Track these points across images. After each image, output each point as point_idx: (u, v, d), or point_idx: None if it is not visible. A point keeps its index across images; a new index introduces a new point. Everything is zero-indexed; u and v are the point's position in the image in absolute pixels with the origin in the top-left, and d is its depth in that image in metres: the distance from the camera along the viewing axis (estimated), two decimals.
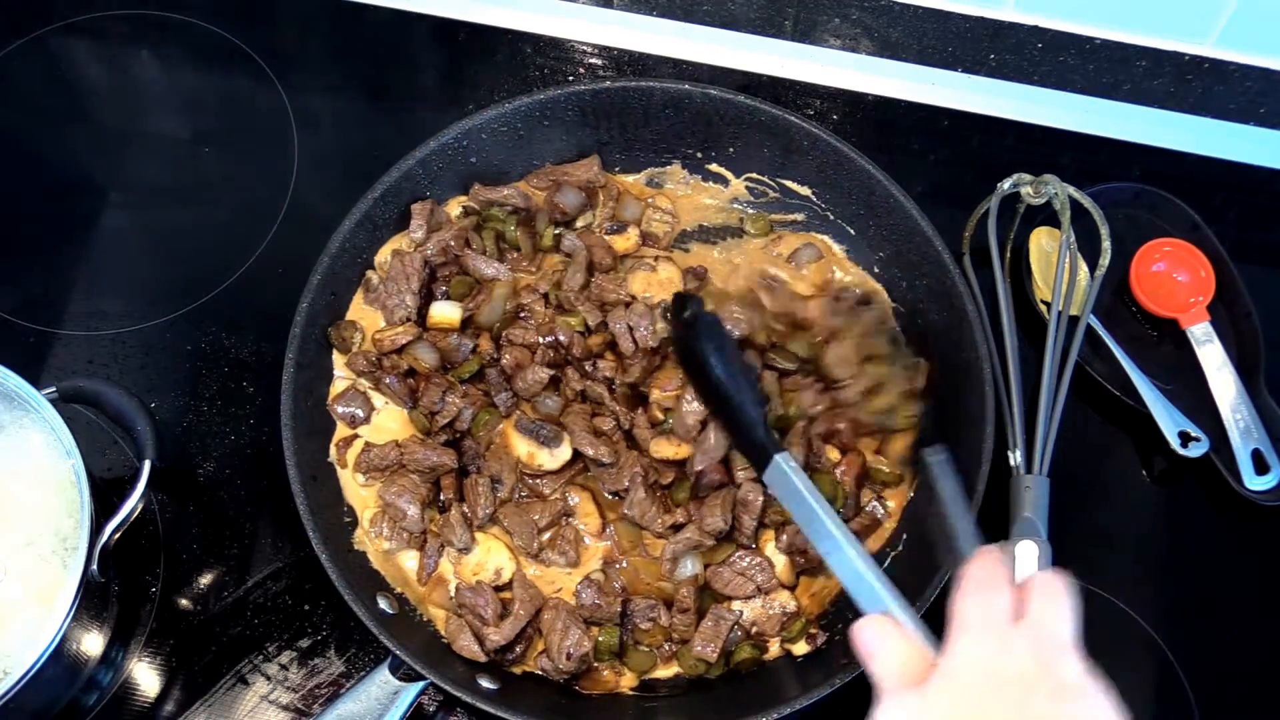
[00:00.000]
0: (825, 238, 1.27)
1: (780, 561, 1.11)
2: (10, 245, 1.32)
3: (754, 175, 1.28)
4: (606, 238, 1.25)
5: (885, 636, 0.76)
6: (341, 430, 1.15)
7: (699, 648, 1.08)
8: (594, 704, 1.07)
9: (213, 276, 1.28)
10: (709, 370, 0.99)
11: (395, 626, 1.03)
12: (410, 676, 1.02)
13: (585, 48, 1.43)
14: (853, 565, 0.84)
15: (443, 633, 1.09)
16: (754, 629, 1.10)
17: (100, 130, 1.39)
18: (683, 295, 1.07)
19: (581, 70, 1.42)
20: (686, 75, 1.40)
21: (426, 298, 1.19)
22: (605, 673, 1.09)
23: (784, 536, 1.11)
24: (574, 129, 1.25)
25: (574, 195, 1.24)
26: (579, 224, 1.26)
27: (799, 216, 1.28)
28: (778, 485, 0.93)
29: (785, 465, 0.92)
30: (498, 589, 1.09)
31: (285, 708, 1.10)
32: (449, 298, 1.19)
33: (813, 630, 1.10)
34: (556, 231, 1.24)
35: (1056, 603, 0.74)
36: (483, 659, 1.06)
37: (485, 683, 1.04)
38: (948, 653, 0.73)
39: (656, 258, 1.25)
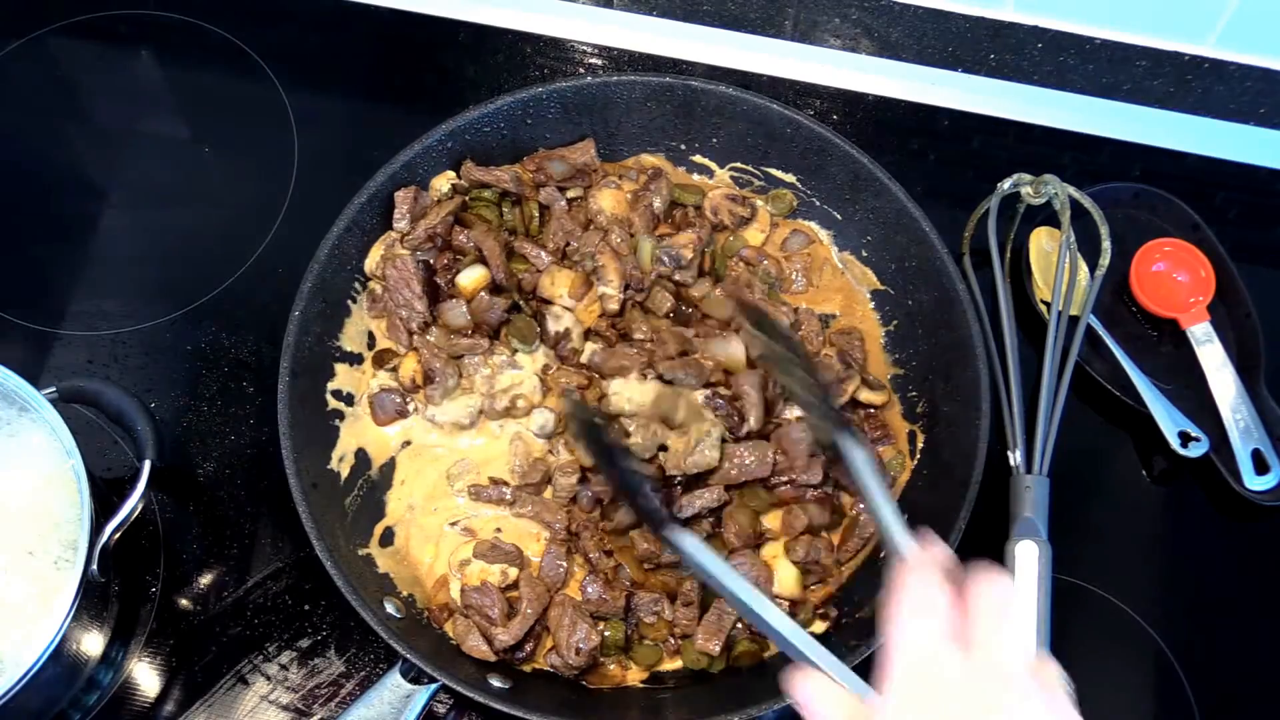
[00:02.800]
0: (812, 224, 1.28)
1: (789, 574, 1.10)
2: (10, 245, 1.32)
3: (738, 164, 1.28)
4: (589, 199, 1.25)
5: (819, 688, 0.73)
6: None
7: (701, 641, 1.08)
8: (604, 698, 1.07)
9: (213, 276, 1.28)
10: (605, 464, 1.00)
11: (404, 630, 1.03)
12: (421, 679, 1.02)
13: (585, 48, 1.43)
14: (767, 623, 0.80)
15: (451, 634, 1.09)
16: (753, 629, 1.10)
17: (100, 130, 1.39)
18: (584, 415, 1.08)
19: (582, 70, 1.42)
20: (670, 72, 1.40)
21: (433, 296, 1.19)
22: (612, 667, 1.09)
23: (799, 548, 1.10)
24: (558, 126, 1.25)
25: (562, 164, 1.24)
26: (569, 194, 1.26)
27: None
28: (685, 560, 0.90)
29: (677, 540, 0.88)
30: (504, 589, 1.09)
31: (285, 708, 1.10)
32: (454, 289, 1.20)
33: (822, 609, 1.10)
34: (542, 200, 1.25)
35: (1001, 622, 0.69)
36: (492, 659, 1.06)
37: (496, 682, 1.04)
38: (884, 693, 0.69)
39: (621, 176, 1.26)
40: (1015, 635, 0.69)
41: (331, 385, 1.17)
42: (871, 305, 1.24)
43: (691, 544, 0.84)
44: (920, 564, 0.74)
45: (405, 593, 1.10)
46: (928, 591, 0.71)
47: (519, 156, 1.26)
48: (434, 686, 1.02)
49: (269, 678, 1.12)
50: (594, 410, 1.11)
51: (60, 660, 1.00)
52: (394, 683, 1.02)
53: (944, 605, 0.70)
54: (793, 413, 1.15)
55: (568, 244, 1.22)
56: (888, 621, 0.71)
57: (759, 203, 1.27)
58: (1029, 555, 1.08)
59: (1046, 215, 1.28)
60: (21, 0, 1.44)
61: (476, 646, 1.06)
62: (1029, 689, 0.67)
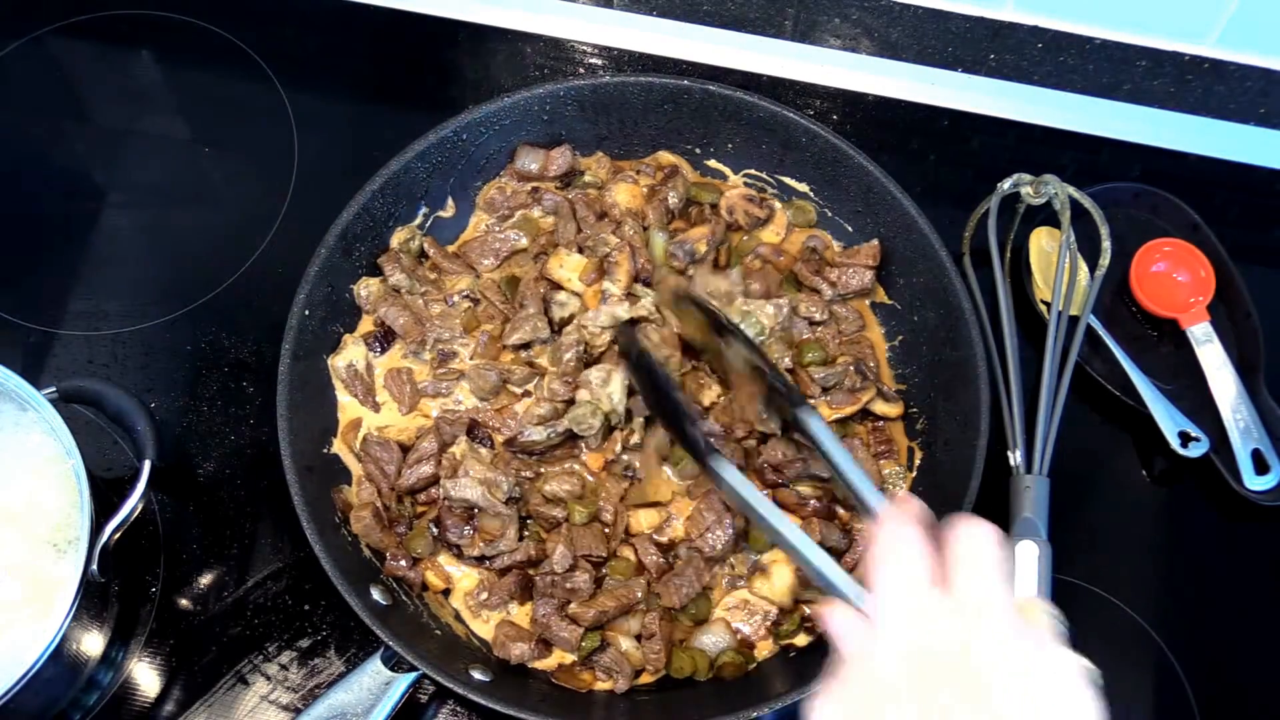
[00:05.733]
0: (825, 233, 1.27)
1: (784, 582, 1.10)
2: (10, 245, 1.32)
3: (753, 171, 1.28)
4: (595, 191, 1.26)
5: (844, 617, 0.76)
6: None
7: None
8: (583, 696, 1.07)
9: (213, 276, 1.28)
10: (654, 393, 1.06)
11: (388, 617, 1.03)
12: (402, 667, 1.02)
13: (585, 48, 1.43)
14: (800, 553, 0.84)
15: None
16: (739, 636, 1.09)
17: (100, 130, 1.39)
18: (627, 332, 1.13)
19: (581, 70, 1.42)
20: (686, 75, 1.40)
21: None
22: (585, 674, 1.09)
23: None
24: (573, 123, 1.26)
25: (534, 155, 1.25)
26: (585, 180, 1.27)
27: None
28: (721, 486, 0.93)
29: (718, 469, 0.92)
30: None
31: (285, 708, 1.10)
32: None
33: (809, 623, 1.10)
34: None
35: (979, 565, 0.72)
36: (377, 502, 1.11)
37: (477, 674, 1.04)
38: (878, 636, 0.72)
39: (638, 171, 1.27)
40: (991, 576, 0.72)
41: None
42: (877, 319, 1.24)
43: (732, 475, 0.89)
44: (894, 518, 0.77)
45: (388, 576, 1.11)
46: (905, 543, 0.75)
47: None
48: (414, 675, 1.02)
49: (269, 678, 1.12)
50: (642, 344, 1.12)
51: (60, 660, 1.00)
52: (375, 669, 1.03)
53: (921, 555, 0.74)
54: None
55: (579, 230, 1.23)
56: (872, 573, 0.75)
57: (777, 205, 1.27)
58: (1029, 555, 1.08)
59: (1046, 215, 1.28)
60: (21, 0, 1.44)
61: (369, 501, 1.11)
62: (1007, 626, 0.70)
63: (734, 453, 1.13)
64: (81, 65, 1.42)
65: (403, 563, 1.10)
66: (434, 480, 1.12)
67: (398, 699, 1.02)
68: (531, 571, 1.10)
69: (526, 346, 1.17)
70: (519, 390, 1.17)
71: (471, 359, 1.17)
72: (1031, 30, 1.42)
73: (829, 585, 0.81)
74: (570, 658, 1.08)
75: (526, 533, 1.12)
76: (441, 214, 1.25)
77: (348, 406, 1.17)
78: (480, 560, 1.11)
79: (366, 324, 1.20)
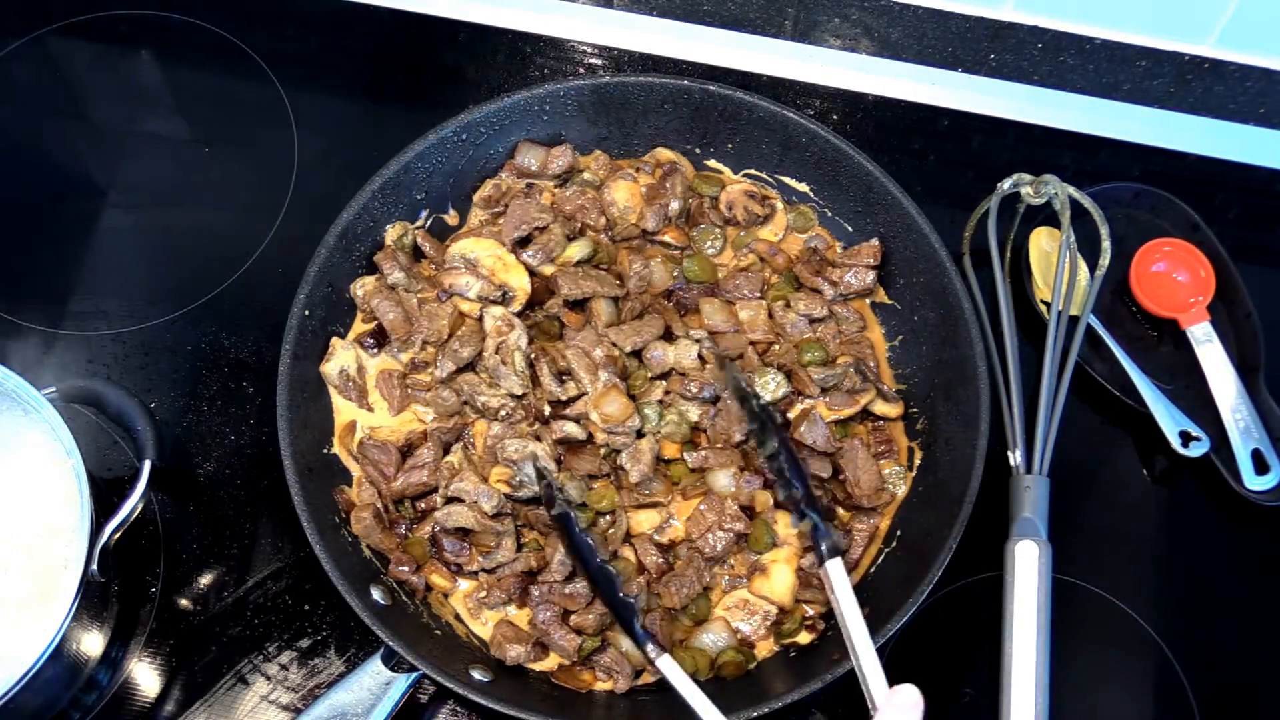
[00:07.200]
0: (826, 233, 1.27)
1: (784, 582, 1.10)
2: (10, 245, 1.32)
3: (753, 171, 1.28)
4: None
5: None
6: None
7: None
8: (584, 697, 1.07)
9: (213, 276, 1.28)
10: (581, 562, 1.06)
11: (388, 617, 1.03)
12: (402, 667, 1.02)
13: (585, 48, 1.43)
14: None
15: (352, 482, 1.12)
16: (740, 635, 1.09)
17: (100, 130, 1.39)
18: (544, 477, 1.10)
19: (582, 70, 1.42)
20: (686, 75, 1.40)
21: None
22: (585, 674, 1.09)
23: (810, 557, 1.10)
24: (573, 123, 1.26)
25: (534, 152, 1.25)
26: (585, 177, 1.27)
27: None
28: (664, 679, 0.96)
29: (665, 667, 0.96)
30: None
31: (285, 708, 1.10)
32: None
33: (810, 621, 1.10)
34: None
35: None
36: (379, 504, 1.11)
37: (477, 674, 1.04)
38: None
39: (638, 169, 1.26)
40: None
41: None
42: (877, 319, 1.24)
43: (676, 675, 0.91)
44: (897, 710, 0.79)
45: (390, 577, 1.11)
46: None
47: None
48: (414, 675, 1.03)
49: (269, 678, 1.12)
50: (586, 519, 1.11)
51: (60, 660, 1.00)
52: (375, 669, 1.03)
53: None
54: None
55: (580, 222, 1.23)
56: None
57: (779, 205, 1.27)
58: (1029, 555, 1.08)
59: (1046, 215, 1.28)
60: (21, 0, 1.44)
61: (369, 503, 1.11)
62: None
63: (733, 457, 1.13)
64: (81, 65, 1.42)
65: (405, 568, 1.10)
66: (429, 489, 1.12)
67: (398, 699, 1.02)
68: (535, 578, 1.10)
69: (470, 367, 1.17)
70: (476, 415, 1.16)
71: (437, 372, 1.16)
72: (1031, 30, 1.42)
73: None
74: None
75: (524, 541, 1.12)
76: (443, 217, 1.25)
77: (343, 409, 1.17)
78: (476, 575, 1.11)
79: (359, 326, 1.20)
